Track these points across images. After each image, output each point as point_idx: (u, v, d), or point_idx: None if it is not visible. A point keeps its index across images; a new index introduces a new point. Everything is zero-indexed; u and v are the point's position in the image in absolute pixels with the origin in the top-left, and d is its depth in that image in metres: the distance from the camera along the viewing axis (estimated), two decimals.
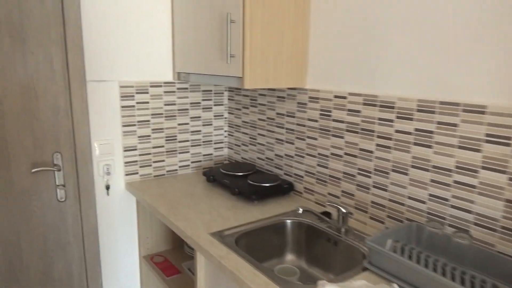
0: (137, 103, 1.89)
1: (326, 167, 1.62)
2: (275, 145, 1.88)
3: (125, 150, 1.90)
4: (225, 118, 2.20)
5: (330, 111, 1.57)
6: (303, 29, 1.59)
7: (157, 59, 1.92)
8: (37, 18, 1.58)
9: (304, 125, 1.70)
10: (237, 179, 1.81)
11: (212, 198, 1.73)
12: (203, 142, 2.15)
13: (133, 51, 1.84)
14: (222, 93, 2.16)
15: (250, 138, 2.04)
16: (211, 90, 2.11)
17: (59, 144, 1.72)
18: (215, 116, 2.16)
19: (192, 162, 2.13)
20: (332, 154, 1.58)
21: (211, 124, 2.15)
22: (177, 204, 1.66)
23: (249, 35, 1.44)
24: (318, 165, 1.66)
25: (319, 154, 1.65)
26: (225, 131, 2.22)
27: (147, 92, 1.91)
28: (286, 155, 1.82)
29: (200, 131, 2.12)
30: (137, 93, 1.88)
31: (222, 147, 2.23)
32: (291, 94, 1.74)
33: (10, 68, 1.56)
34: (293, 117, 1.75)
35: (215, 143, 2.20)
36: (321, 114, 1.61)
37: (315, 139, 1.65)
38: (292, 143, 1.77)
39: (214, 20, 1.58)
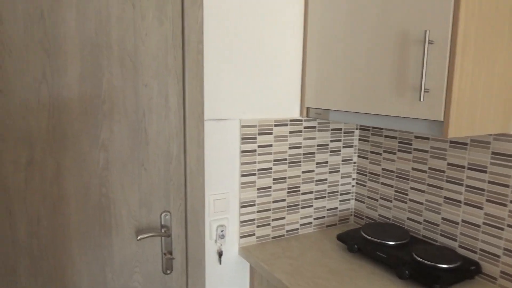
0: (259, 146, 1.49)
1: None
2: (444, 206, 1.39)
3: (242, 206, 1.49)
4: (354, 163, 1.75)
5: None
6: None
7: (283, 92, 1.52)
8: (153, 42, 1.23)
9: (505, 185, 1.21)
10: (392, 251, 1.34)
11: (369, 281, 1.26)
12: (328, 193, 1.70)
13: (256, 82, 1.45)
14: (353, 131, 1.72)
15: (397, 192, 1.57)
16: (340, 129, 1.68)
17: (169, 201, 1.34)
18: (343, 160, 1.71)
19: (314, 219, 1.69)
20: None
21: (338, 171, 1.71)
22: None
23: (460, 61, 0.99)
24: None
25: None
26: (353, 179, 1.76)
27: (271, 133, 1.50)
28: (465, 221, 1.33)
29: (325, 180, 1.68)
30: (259, 134, 1.48)
31: (348, 199, 1.77)
32: (481, 141, 1.26)
33: (119, 106, 1.21)
34: (483, 171, 1.26)
35: (341, 195, 1.74)
36: None
37: None
38: (479, 207, 1.28)
39: (388, 40, 1.15)
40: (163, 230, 1.34)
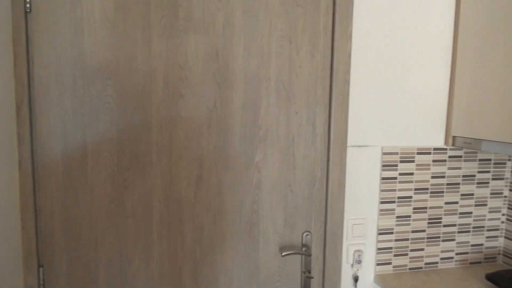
0: (400, 174, 1.47)
1: None
2: None
3: (380, 233, 1.48)
4: (505, 197, 1.60)
5: None
6: None
7: (426, 119, 1.48)
8: (305, 73, 1.34)
9: None
10: None
11: None
12: (473, 228, 1.59)
13: (399, 109, 1.45)
14: (504, 163, 1.58)
15: None
16: (490, 159, 1.56)
17: (310, 222, 1.41)
18: (492, 194, 1.58)
19: (456, 254, 1.58)
20: None
21: (485, 205, 1.58)
22: None
23: None
24: None
25: None
26: (503, 215, 1.61)
27: (412, 161, 1.48)
28: None
29: (471, 213, 1.57)
30: (401, 161, 1.47)
31: (496, 236, 1.62)
32: None
33: (273, 131, 1.33)
34: None
35: (488, 230, 1.61)
36: None
37: None
38: None
39: None
40: (303, 249, 1.41)
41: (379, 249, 1.49)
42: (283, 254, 1.34)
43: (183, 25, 1.24)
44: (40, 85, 1.17)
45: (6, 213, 1.17)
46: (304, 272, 1.42)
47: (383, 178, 1.46)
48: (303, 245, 1.41)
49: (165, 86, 1.24)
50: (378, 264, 1.50)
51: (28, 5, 1.14)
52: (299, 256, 1.42)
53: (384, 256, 1.50)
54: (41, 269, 1.22)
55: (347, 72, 1.37)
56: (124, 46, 1.20)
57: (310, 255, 1.39)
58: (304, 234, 1.41)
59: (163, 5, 1.22)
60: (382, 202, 1.47)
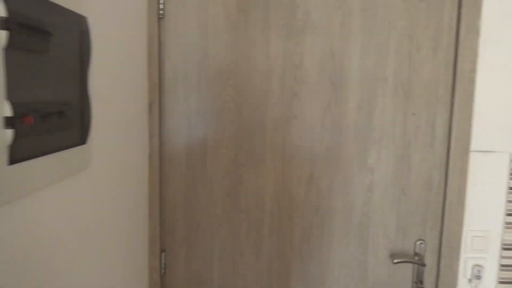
0: None
1: None
2: None
3: (504, 249, 1.34)
4: None
5: None
6: None
7: None
8: (426, 72, 1.27)
9: None
10: None
11: None
12: None
13: None
14: None
15: None
16: None
17: (424, 230, 1.33)
18: None
19: None
20: None
21: None
22: None
23: None
24: None
25: None
26: None
27: None
28: None
29: None
30: None
31: None
32: None
33: (388, 133, 1.29)
34: None
35: None
36: None
37: None
38: None
39: None
40: (416, 258, 1.33)
41: (502, 265, 1.35)
42: (395, 261, 1.28)
43: (300, 25, 1.25)
44: (169, 84, 1.28)
45: (137, 202, 1.30)
46: (416, 283, 1.34)
47: (511, 188, 1.32)
48: (416, 254, 1.34)
49: (280, 86, 1.27)
50: (500, 282, 1.36)
51: (161, 12, 1.25)
52: (411, 265, 1.35)
53: (509, 274, 1.35)
54: (163, 254, 1.33)
55: (473, 70, 1.26)
56: (245, 47, 1.26)
57: (424, 265, 1.31)
58: (418, 242, 1.33)
59: (281, 6, 1.25)
60: (508, 214, 1.33)
